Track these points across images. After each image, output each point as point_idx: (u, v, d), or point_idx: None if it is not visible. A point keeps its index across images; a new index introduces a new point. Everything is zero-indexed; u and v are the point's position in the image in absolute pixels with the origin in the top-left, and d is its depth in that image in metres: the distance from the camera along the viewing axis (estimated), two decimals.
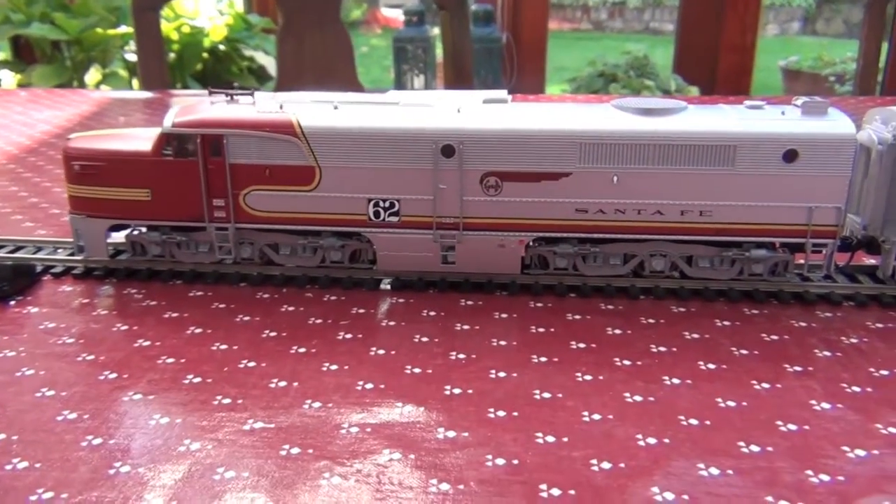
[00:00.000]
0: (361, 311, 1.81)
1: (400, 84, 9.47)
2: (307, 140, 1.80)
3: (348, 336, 1.68)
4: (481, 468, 1.25)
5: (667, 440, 1.32)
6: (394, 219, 1.84)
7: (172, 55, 6.79)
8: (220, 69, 7.11)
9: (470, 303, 1.85)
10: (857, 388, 1.48)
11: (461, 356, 1.60)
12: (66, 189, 1.96)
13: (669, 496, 1.19)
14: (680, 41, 8.34)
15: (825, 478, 1.23)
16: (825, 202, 1.74)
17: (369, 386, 1.49)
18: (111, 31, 6.35)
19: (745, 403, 1.43)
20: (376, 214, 1.84)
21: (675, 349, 1.63)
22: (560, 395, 1.46)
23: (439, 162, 1.78)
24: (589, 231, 1.82)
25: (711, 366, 1.57)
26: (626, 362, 1.58)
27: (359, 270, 1.94)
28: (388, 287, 1.92)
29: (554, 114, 1.81)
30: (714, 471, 1.25)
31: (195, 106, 1.91)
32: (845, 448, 1.30)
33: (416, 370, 1.55)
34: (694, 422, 1.38)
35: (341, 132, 1.79)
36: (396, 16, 10.39)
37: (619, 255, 1.86)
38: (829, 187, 1.73)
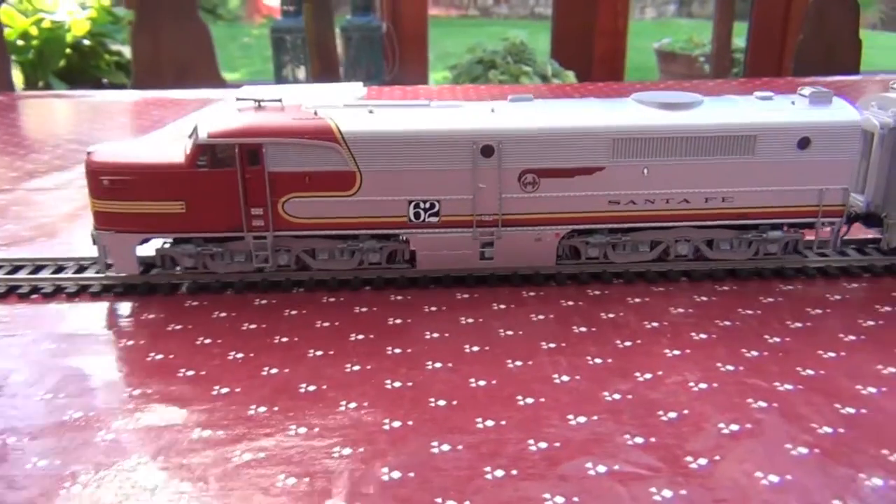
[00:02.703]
0: (151, 316, 1.83)
1: (281, 76, 9.33)
2: (348, 145, 1.81)
3: (130, 343, 1.71)
4: (226, 465, 1.31)
5: (410, 422, 1.42)
6: (434, 219, 1.88)
7: (32, 53, 6.48)
8: (85, 65, 6.84)
9: (264, 302, 1.91)
10: (598, 360, 1.63)
11: (239, 356, 1.66)
12: (91, 205, 1.90)
13: (396, 475, 1.28)
14: (556, 26, 8.57)
15: (543, 445, 1.35)
16: (833, 184, 1.91)
17: (137, 392, 1.52)
18: None
19: (494, 382, 1.55)
20: (416, 216, 1.88)
21: (447, 334, 1.74)
22: (325, 387, 1.54)
23: (479, 162, 1.84)
24: (621, 221, 1.93)
25: (476, 348, 1.68)
26: (398, 350, 1.67)
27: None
28: (185, 291, 1.95)
29: (583, 111, 1.92)
30: (445, 447, 1.35)
31: (224, 114, 1.88)
32: (569, 416, 1.43)
33: (190, 373, 1.59)
34: (442, 403, 1.48)
35: (382, 136, 1.82)
36: (278, 5, 10.20)
37: (647, 242, 1.99)
38: (837, 170, 1.90)
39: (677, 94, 1.94)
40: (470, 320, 1.80)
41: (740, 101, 1.96)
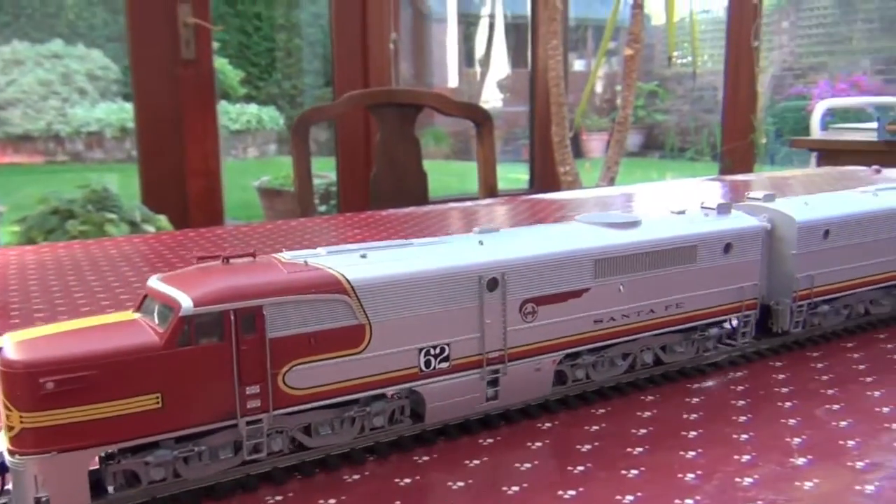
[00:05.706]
0: None
1: None
2: (357, 296, 1.55)
3: None
4: None
5: None
6: (444, 364, 1.71)
7: None
8: None
9: None
10: None
11: None
12: (14, 422, 1.26)
13: None
14: (144, 169, 8.20)
15: None
16: (748, 281, 2.24)
17: None
18: None
19: None
20: (427, 364, 1.68)
21: None
22: None
23: (484, 296, 1.73)
24: (604, 339, 1.95)
25: None
26: None
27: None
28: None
29: (560, 235, 1.96)
30: None
31: (193, 277, 1.45)
32: None
33: None
34: None
35: (393, 281, 1.60)
36: None
37: (620, 355, 2.02)
38: (750, 269, 2.24)
39: (615, 214, 2.18)
40: None
41: (664, 217, 2.25)
